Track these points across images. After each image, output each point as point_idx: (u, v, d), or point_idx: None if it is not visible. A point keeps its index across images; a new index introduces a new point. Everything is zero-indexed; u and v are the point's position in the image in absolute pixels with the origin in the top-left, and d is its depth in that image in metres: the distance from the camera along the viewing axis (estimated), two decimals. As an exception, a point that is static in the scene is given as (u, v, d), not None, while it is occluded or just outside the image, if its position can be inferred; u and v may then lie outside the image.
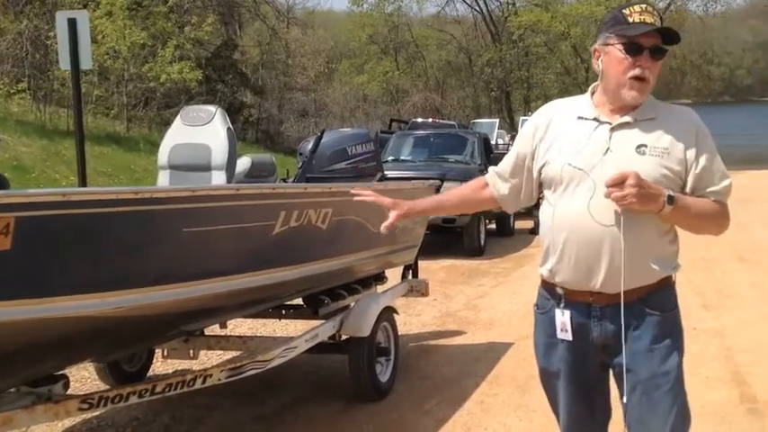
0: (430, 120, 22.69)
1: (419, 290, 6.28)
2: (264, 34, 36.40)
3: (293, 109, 34.99)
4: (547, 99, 34.06)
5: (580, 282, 2.43)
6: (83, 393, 3.79)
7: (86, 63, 8.20)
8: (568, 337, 2.49)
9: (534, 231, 13.72)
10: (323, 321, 4.89)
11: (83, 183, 8.24)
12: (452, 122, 23.96)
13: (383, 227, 2.76)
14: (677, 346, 2.47)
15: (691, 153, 2.40)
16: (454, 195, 2.92)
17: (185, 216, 3.27)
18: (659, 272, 2.44)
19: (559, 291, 2.50)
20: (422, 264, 6.73)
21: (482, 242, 11.66)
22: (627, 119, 2.41)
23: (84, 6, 19.17)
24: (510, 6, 42.88)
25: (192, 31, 24.14)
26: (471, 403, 5.00)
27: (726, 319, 7.02)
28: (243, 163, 5.25)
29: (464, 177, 11.21)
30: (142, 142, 19.92)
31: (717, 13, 44.24)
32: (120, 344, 3.72)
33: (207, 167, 4.87)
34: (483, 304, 8.10)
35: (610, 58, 2.41)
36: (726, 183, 2.45)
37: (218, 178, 4.82)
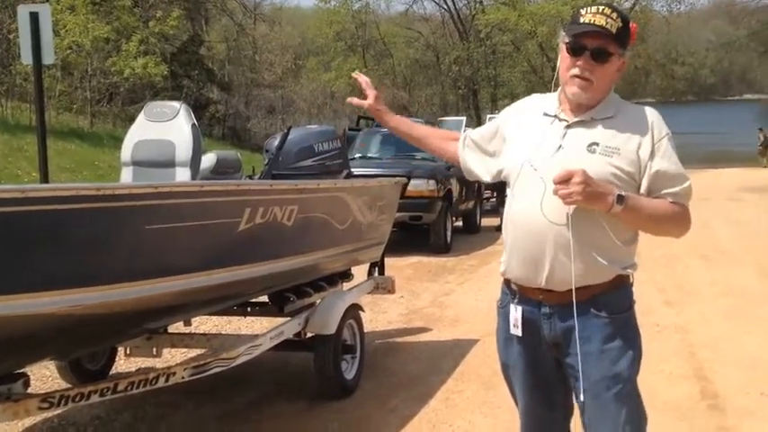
0: (397, 117, 22.63)
1: (385, 287, 6.29)
2: (231, 30, 36.19)
3: (260, 105, 34.83)
4: (513, 97, 34.40)
5: (529, 278, 2.46)
6: (43, 392, 3.73)
7: (49, 58, 8.09)
8: (518, 332, 2.53)
9: (500, 229, 13.82)
10: (288, 319, 4.87)
11: (45, 179, 8.12)
12: (420, 120, 23.95)
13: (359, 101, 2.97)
14: (630, 348, 2.45)
15: (644, 153, 2.39)
16: (423, 130, 3.00)
17: (148, 213, 3.24)
18: (610, 271, 2.42)
19: (514, 287, 2.55)
20: (388, 261, 6.73)
21: (448, 239, 11.70)
22: (583, 117, 2.44)
23: (47, 0, 18.90)
24: (477, 4, 43.04)
25: (157, 25, 23.90)
26: (436, 400, 5.01)
27: (688, 316, 7.12)
28: (208, 159, 5.20)
29: (431, 175, 11.29)
30: (106, 138, 19.70)
31: (681, 13, 44.86)
32: (81, 342, 3.66)
33: (171, 164, 4.82)
34: (449, 301, 8.12)
35: (561, 56, 2.48)
36: (685, 185, 2.42)
37: (183, 175, 4.77)
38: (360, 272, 6.21)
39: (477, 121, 37.65)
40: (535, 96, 2.70)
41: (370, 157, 12.56)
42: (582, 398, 2.43)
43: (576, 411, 2.60)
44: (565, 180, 2.25)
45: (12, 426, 4.39)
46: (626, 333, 2.46)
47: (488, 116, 30.44)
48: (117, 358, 5.37)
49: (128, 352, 4.86)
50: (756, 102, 48.93)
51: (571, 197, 2.25)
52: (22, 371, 3.44)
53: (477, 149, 2.75)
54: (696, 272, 9.34)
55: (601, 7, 2.38)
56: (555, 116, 2.48)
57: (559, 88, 2.54)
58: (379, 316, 7.37)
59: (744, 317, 7.04)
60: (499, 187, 14.29)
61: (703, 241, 11.11)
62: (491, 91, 43.53)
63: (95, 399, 3.55)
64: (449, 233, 11.75)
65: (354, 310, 5.33)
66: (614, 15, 2.38)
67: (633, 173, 2.38)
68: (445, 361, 5.88)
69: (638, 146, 2.39)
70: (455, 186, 12.07)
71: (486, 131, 2.75)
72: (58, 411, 4.45)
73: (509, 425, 4.52)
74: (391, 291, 6.39)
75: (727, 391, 5.02)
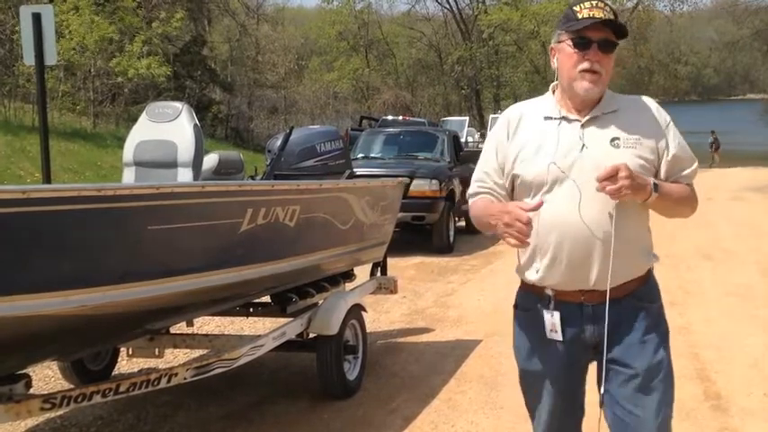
0: (400, 117, 22.69)
1: (388, 287, 6.28)
2: (234, 30, 36.23)
3: (263, 106, 34.85)
4: (516, 97, 34.39)
5: (574, 282, 2.43)
6: (45, 393, 3.72)
7: (51, 58, 8.10)
8: (558, 337, 2.48)
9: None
10: (291, 319, 4.87)
11: (47, 179, 8.13)
12: (422, 120, 23.99)
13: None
14: (666, 334, 2.56)
15: (661, 140, 2.45)
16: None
17: (149, 213, 3.24)
18: (646, 263, 2.50)
19: (549, 292, 2.48)
20: (391, 261, 6.72)
21: (451, 239, 11.68)
22: (594, 114, 2.43)
23: (50, 1, 18.93)
24: (480, 5, 43.04)
25: (161, 26, 23.90)
26: (439, 401, 5.00)
27: (691, 316, 7.10)
28: (210, 160, 5.20)
29: (434, 175, 11.28)
30: (109, 138, 19.72)
31: (683, 13, 44.80)
32: (84, 343, 3.67)
33: (173, 164, 4.82)
34: (452, 301, 8.11)
35: (562, 54, 2.44)
36: (694, 166, 2.53)
37: (185, 175, 4.77)
38: (362, 272, 6.20)
39: (479, 120, 37.69)
40: (519, 105, 2.61)
41: (373, 158, 12.55)
42: (616, 391, 2.45)
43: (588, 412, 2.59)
44: (611, 176, 2.24)
45: (14, 426, 4.39)
46: (660, 321, 2.55)
47: (491, 116, 30.56)
48: (119, 359, 5.38)
49: (130, 353, 4.88)
50: (760, 101, 48.79)
51: (620, 191, 2.25)
52: (23, 371, 3.45)
53: (499, 182, 2.55)
54: (699, 272, 9.31)
55: (593, 2, 2.40)
56: (561, 118, 2.45)
57: (550, 92, 2.55)
58: (382, 316, 7.36)
59: (747, 317, 7.03)
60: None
61: (707, 241, 11.09)
62: (494, 91, 43.54)
63: (98, 399, 3.54)
64: (451, 233, 11.73)
65: (357, 311, 5.32)
66: (607, 8, 2.40)
67: (654, 160, 2.44)
68: (447, 361, 5.87)
69: (653, 134, 2.45)
70: (458, 186, 12.06)
71: (493, 169, 2.54)
72: (61, 412, 4.46)
73: (511, 425, 4.53)
74: (394, 291, 6.38)
75: (731, 392, 5.01)
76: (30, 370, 3.62)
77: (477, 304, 7.91)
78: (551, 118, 2.47)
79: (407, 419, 4.68)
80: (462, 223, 13.37)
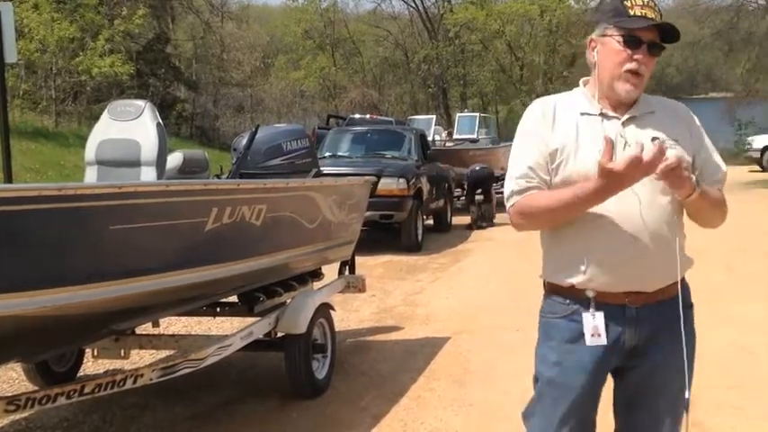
0: (368, 116, 22.66)
1: (356, 286, 6.27)
2: (198, 28, 35.91)
3: (229, 104, 34.58)
4: (483, 96, 34.30)
5: (623, 283, 2.33)
6: (9, 395, 3.66)
7: (11, 56, 7.97)
8: (602, 341, 2.35)
9: (471, 227, 13.87)
10: (258, 319, 4.83)
11: (8, 179, 7.99)
12: (390, 119, 23.99)
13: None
14: (695, 344, 2.49)
15: (696, 143, 2.41)
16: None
17: (112, 213, 3.18)
18: (687, 265, 2.43)
19: (589, 294, 2.35)
20: (360, 260, 6.71)
21: (420, 238, 11.70)
22: (632, 113, 2.37)
23: (10, -2, 18.61)
24: (445, 3, 43.13)
25: (123, 23, 23.62)
26: (408, 398, 5.00)
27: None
28: (174, 159, 5.14)
29: (402, 173, 11.28)
30: (71, 137, 19.43)
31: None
32: (47, 344, 3.61)
33: (136, 163, 4.75)
34: (420, 299, 8.12)
35: (606, 49, 2.34)
36: (724, 169, 2.48)
37: (149, 174, 4.71)
38: (331, 271, 6.18)
39: (447, 119, 37.77)
40: (549, 100, 2.48)
41: (340, 156, 12.54)
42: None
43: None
44: (659, 157, 2.11)
45: (-25, 431, 4.31)
46: (692, 327, 2.47)
47: (458, 115, 30.65)
48: (85, 360, 5.31)
49: (95, 354, 4.83)
50: (722, 100, 49.50)
51: (676, 171, 2.15)
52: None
53: (545, 177, 2.39)
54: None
55: (646, 0, 2.31)
56: (601, 114, 2.36)
57: (581, 86, 2.47)
58: (351, 315, 7.34)
59: (712, 313, 7.10)
60: (477, 184, 14.36)
61: (690, 239, 11.19)
62: (460, 90, 43.64)
63: (62, 401, 3.50)
64: (420, 232, 11.75)
65: (325, 309, 5.30)
66: (656, 8, 2.32)
67: (691, 162, 2.36)
68: (416, 359, 5.87)
69: (689, 136, 2.40)
70: (425, 185, 12.08)
71: (537, 163, 2.38)
72: (26, 414, 4.39)
73: (480, 422, 4.55)
74: (362, 289, 6.37)
75: (695, 386, 5.05)
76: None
77: (446, 302, 7.92)
78: (589, 114, 2.38)
79: (376, 418, 4.67)
80: (431, 221, 13.41)
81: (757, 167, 26.79)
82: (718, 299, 7.65)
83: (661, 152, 2.10)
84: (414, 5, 44.00)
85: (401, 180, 11.14)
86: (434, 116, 30.16)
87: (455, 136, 25.93)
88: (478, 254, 11.19)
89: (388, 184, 10.72)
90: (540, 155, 2.37)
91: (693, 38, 48.47)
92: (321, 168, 6.35)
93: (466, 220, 14.20)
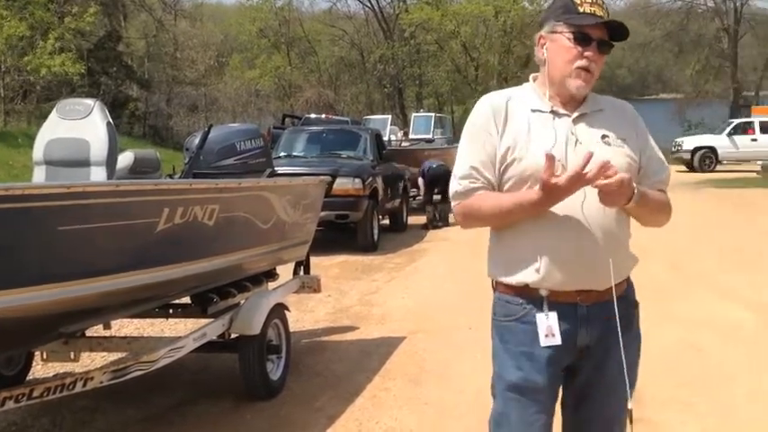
0: (323, 116, 22.61)
1: (311, 286, 6.25)
2: (151, 26, 35.48)
3: (182, 103, 34.22)
4: (439, 96, 34.44)
5: (575, 281, 2.32)
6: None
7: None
8: (557, 341, 2.33)
9: (427, 227, 13.91)
10: (212, 320, 4.79)
11: (-46, 179, 7.81)
12: (346, 118, 23.96)
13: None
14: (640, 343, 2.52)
15: (641, 143, 2.42)
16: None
17: (60, 214, 3.12)
18: (634, 263, 2.45)
19: (543, 293, 2.34)
20: (315, 260, 6.69)
21: (375, 237, 11.70)
22: (582, 111, 2.37)
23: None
24: (401, 3, 43.24)
25: (74, 21, 23.21)
26: (363, 398, 5.00)
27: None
28: (125, 158, 5.06)
29: (357, 173, 11.27)
30: (20, 137, 19.04)
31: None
32: (-6, 348, 3.53)
33: (86, 163, 4.67)
34: (376, 299, 8.12)
35: (557, 46, 2.34)
36: (668, 170, 2.50)
37: (98, 174, 4.64)
38: (286, 271, 6.15)
39: (402, 118, 37.85)
40: (499, 95, 2.45)
41: (296, 156, 12.49)
42: (595, 396, 2.40)
43: None
44: (603, 170, 2.13)
45: None
46: (638, 325, 2.51)
47: (413, 115, 30.74)
48: (34, 363, 5.20)
49: (45, 357, 4.75)
50: (672, 100, 50.41)
51: (617, 185, 2.16)
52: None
53: (489, 177, 2.37)
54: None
55: None
56: (552, 111, 2.36)
57: (531, 82, 2.46)
58: (306, 315, 7.32)
59: (662, 311, 7.22)
60: (434, 182, 14.35)
61: (636, 237, 11.35)
62: (416, 90, 43.80)
63: (11, 405, 3.44)
64: (375, 231, 11.75)
65: (279, 310, 5.27)
66: (604, 6, 2.33)
67: (638, 161, 2.38)
68: (372, 359, 5.87)
69: (635, 136, 2.41)
70: (381, 185, 12.09)
71: (481, 163, 2.36)
72: (-30, 421, 4.28)
73: (435, 421, 4.56)
74: (317, 290, 6.36)
75: (646, 384, 5.11)
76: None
77: (402, 302, 7.94)
78: (540, 111, 2.36)
79: (331, 418, 4.66)
80: (386, 221, 13.42)
81: (684, 168, 27.16)
82: (665, 297, 7.79)
83: (603, 168, 2.13)
84: (369, 5, 44.09)
85: (357, 180, 11.13)
86: (390, 116, 30.23)
87: (411, 136, 26.00)
88: (434, 253, 11.23)
89: (344, 184, 10.72)
90: (485, 154, 2.36)
91: (644, 39, 49.34)
92: (276, 168, 6.32)
93: (422, 219, 14.25)
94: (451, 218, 14.26)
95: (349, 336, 6.66)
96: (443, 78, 42.51)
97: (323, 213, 6.76)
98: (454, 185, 2.41)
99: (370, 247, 11.41)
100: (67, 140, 4.73)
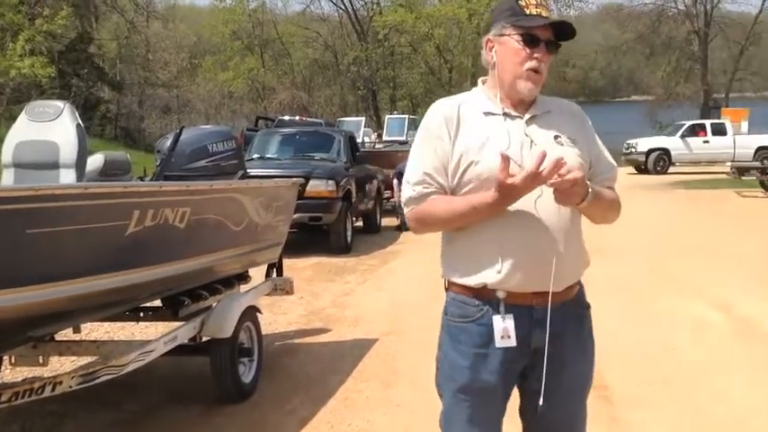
0: (297, 118, 22.57)
1: (283, 288, 6.24)
2: (122, 28, 35.21)
3: (154, 105, 34.06)
4: (413, 98, 34.53)
5: (532, 283, 2.31)
6: None
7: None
8: (512, 343, 2.32)
9: (400, 228, 13.92)
10: (183, 323, 4.76)
11: None
12: (319, 120, 23.93)
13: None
14: (593, 339, 2.54)
15: (589, 142, 2.45)
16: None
17: (28, 216, 3.10)
18: (585, 265, 2.47)
19: (500, 295, 2.33)
20: (288, 262, 6.67)
21: (349, 239, 11.70)
22: (533, 112, 2.38)
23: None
24: (375, 6, 43.30)
25: (44, 23, 22.96)
26: (335, 400, 5.00)
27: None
28: (95, 161, 5.02)
29: (330, 175, 11.27)
30: (-10, 139, 18.82)
31: (571, 17, 46.26)
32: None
33: (55, 165, 4.63)
34: (349, 301, 8.12)
35: (506, 48, 2.35)
36: (616, 168, 2.54)
37: (68, 177, 4.59)
38: (258, 273, 6.13)
39: (376, 120, 37.87)
40: (450, 101, 2.46)
41: (269, 158, 12.46)
42: (551, 399, 2.37)
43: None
44: (555, 168, 2.14)
45: None
46: (591, 326, 2.53)
47: (387, 117, 30.75)
48: (2, 368, 5.13)
49: (13, 361, 4.69)
50: (644, 102, 50.91)
51: (570, 183, 2.17)
52: None
53: (442, 182, 2.39)
54: (591, 267, 9.59)
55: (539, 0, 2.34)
56: (504, 114, 2.36)
57: (480, 86, 2.47)
58: (279, 317, 7.30)
59: (635, 311, 7.30)
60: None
61: (598, 237, 11.44)
62: (390, 92, 43.86)
63: (-23, 411, 3.39)
64: (349, 233, 11.75)
65: (251, 313, 5.26)
66: (550, 7, 2.37)
67: (588, 160, 2.41)
68: (344, 361, 5.87)
69: (583, 135, 2.44)
70: (355, 186, 12.09)
71: (434, 168, 2.37)
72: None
73: (407, 422, 4.57)
74: (290, 292, 6.34)
75: (617, 383, 5.19)
76: None
77: (375, 304, 7.94)
78: (493, 114, 2.37)
79: (304, 420, 4.65)
80: (360, 223, 13.43)
81: (633, 170, 27.24)
82: (638, 297, 7.88)
83: (557, 167, 2.15)
84: (343, 7, 44.12)
85: (330, 182, 11.12)
86: (364, 118, 30.26)
87: (384, 138, 26.04)
88: (407, 255, 11.24)
89: (317, 186, 10.73)
90: (438, 160, 2.36)
91: (616, 42, 49.83)
92: (249, 170, 6.30)
93: (395, 221, 14.26)
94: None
95: (322, 338, 6.66)
96: (417, 80, 42.62)
97: (296, 215, 6.74)
98: (407, 191, 2.42)
99: (343, 249, 11.40)
100: (37, 143, 4.69)
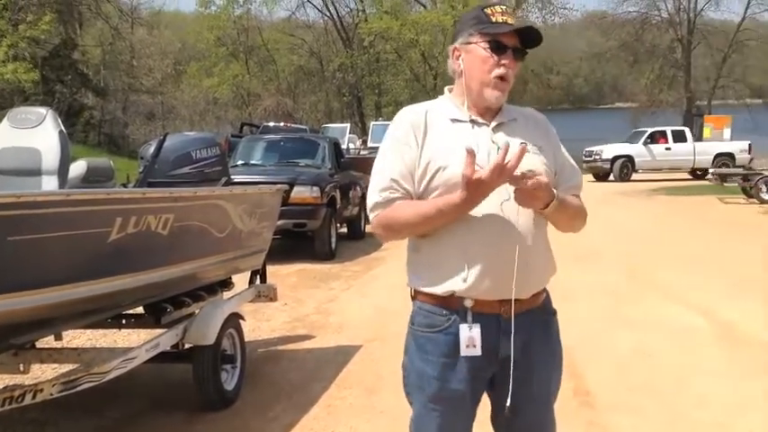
0: (282, 124, 22.56)
1: (267, 295, 6.23)
2: (107, 34, 35.10)
3: (139, 111, 33.98)
4: (398, 104, 34.64)
5: (499, 291, 2.31)
6: None
7: None
8: (477, 352, 2.32)
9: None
10: (165, 330, 4.75)
11: None
12: (304, 127, 23.94)
13: None
14: (561, 346, 2.55)
15: (555, 150, 2.47)
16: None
17: (10, 224, 3.08)
18: (552, 272, 2.47)
19: (467, 303, 2.32)
20: (272, 268, 6.66)
21: (333, 246, 11.70)
22: (499, 120, 2.40)
23: None
24: (360, 13, 43.39)
25: (28, 29, 22.86)
26: (318, 407, 4.99)
27: (562, 316, 7.31)
28: (78, 167, 5.01)
29: (315, 182, 11.27)
30: (-28, 146, 18.70)
31: (555, 25, 46.60)
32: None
33: (37, 172, 4.62)
34: (333, 308, 8.12)
35: (473, 56, 2.37)
36: (580, 176, 2.56)
37: (50, 183, 4.58)
38: (242, 280, 6.13)
39: (362, 127, 37.92)
40: (417, 108, 2.47)
41: (254, 164, 12.44)
42: (521, 407, 2.39)
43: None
44: (525, 177, 2.18)
45: None
46: (558, 332, 2.54)
47: (372, 123, 30.78)
48: (-17, 376, 5.11)
49: (-7, 369, 4.65)
50: (627, 109, 51.23)
51: (535, 186, 2.20)
52: None
53: (408, 188, 2.39)
54: (570, 273, 9.64)
55: (503, 6, 2.36)
56: (471, 121, 2.38)
57: (447, 94, 2.48)
58: (263, 324, 7.29)
59: (615, 316, 7.35)
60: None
61: (577, 243, 11.52)
62: (375, 98, 43.94)
63: (-44, 419, 3.37)
64: (333, 240, 11.75)
65: (234, 320, 5.25)
66: (516, 14, 2.38)
67: (552, 168, 2.42)
68: (328, 368, 5.87)
69: (548, 143, 2.45)
70: (339, 193, 12.10)
71: (401, 175, 2.38)
72: None
73: (391, 429, 4.57)
74: (273, 299, 6.33)
75: (598, 388, 5.23)
76: None
77: (359, 310, 7.95)
78: (460, 121, 2.38)
79: (286, 428, 4.65)
80: (344, 230, 13.43)
81: (592, 179, 27.11)
82: (618, 302, 7.93)
83: (521, 154, 2.15)
84: (328, 14, 44.19)
85: (315, 188, 11.12)
86: (349, 124, 30.29)
87: (369, 144, 26.04)
88: (391, 261, 11.24)
89: (302, 192, 10.73)
90: (405, 166, 2.37)
91: (600, 49, 50.19)
92: (233, 177, 6.30)
93: (380, 228, 14.26)
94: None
95: (305, 344, 6.65)
96: (402, 87, 42.74)
97: (280, 222, 6.74)
98: (374, 197, 2.42)
99: (327, 256, 11.40)
100: (19, 149, 4.67)
